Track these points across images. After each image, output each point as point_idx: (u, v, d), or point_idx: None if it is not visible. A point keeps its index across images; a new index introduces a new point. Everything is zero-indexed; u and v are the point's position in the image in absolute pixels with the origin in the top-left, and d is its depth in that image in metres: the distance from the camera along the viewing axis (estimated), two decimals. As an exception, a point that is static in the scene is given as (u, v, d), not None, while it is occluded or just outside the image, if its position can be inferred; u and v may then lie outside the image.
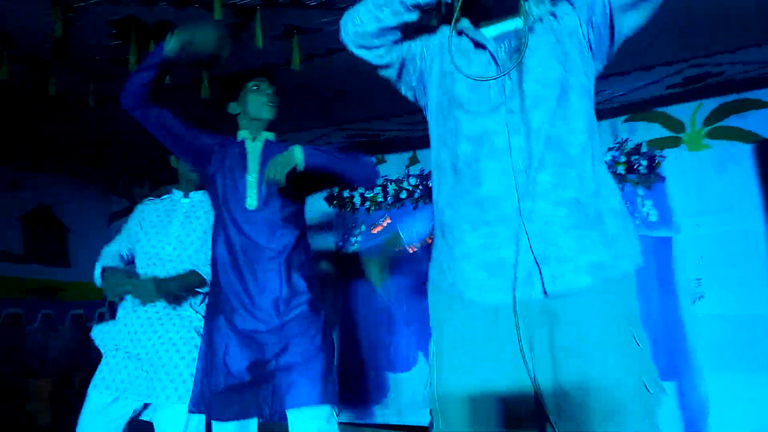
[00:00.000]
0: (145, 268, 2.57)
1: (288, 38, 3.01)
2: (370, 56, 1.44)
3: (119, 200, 6.07)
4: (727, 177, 3.98)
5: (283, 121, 4.41)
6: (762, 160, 3.91)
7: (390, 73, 1.51)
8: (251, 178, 2.31)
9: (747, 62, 3.63)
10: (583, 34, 1.39)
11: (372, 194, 4.99)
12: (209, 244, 2.44)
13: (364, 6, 1.39)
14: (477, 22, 1.44)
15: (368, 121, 4.36)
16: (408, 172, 4.89)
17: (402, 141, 4.81)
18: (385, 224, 4.96)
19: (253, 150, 2.41)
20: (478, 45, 1.41)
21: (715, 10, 2.92)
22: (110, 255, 2.64)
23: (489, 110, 1.34)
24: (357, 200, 4.97)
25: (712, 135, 4.11)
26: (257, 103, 2.45)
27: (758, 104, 3.99)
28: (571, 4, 1.41)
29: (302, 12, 2.78)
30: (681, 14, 2.92)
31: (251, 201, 2.27)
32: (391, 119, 4.29)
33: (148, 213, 2.67)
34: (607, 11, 1.34)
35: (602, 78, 3.67)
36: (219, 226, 2.33)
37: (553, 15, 1.41)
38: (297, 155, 2.07)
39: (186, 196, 2.69)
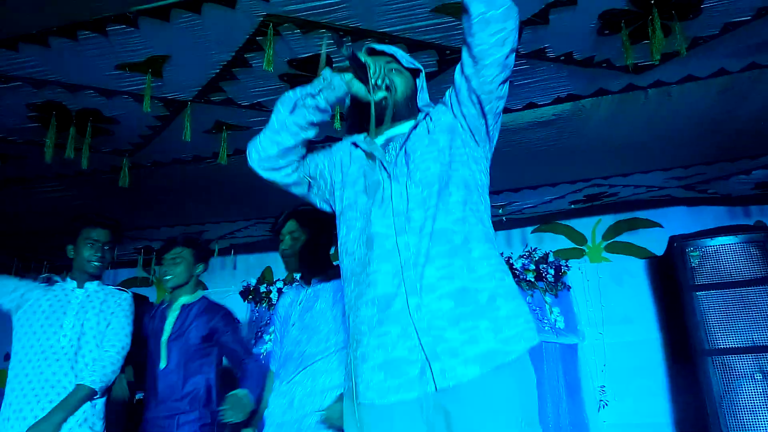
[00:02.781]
0: (33, 362, 2.32)
1: (217, 132, 3.04)
2: (279, 176, 1.50)
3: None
4: (625, 289, 4.29)
5: (206, 212, 4.38)
6: (653, 275, 4.28)
7: (301, 190, 1.57)
8: None
9: (637, 185, 4.07)
10: (462, 126, 1.46)
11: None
12: (107, 338, 2.40)
13: (263, 133, 1.47)
14: (371, 128, 1.49)
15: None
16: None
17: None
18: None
19: None
20: (369, 155, 1.49)
21: (613, 140, 3.30)
22: None
23: (380, 214, 1.40)
24: (274, 296, 4.85)
25: (610, 249, 4.48)
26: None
27: (648, 223, 4.43)
28: (443, 103, 1.51)
29: (233, 110, 2.84)
30: (584, 140, 3.28)
31: None
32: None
33: (37, 301, 2.45)
34: (465, 85, 1.42)
35: (513, 190, 4.02)
36: None
37: (429, 117, 1.49)
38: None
39: (80, 286, 2.52)
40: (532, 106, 2.92)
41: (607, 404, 4.07)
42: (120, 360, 2.42)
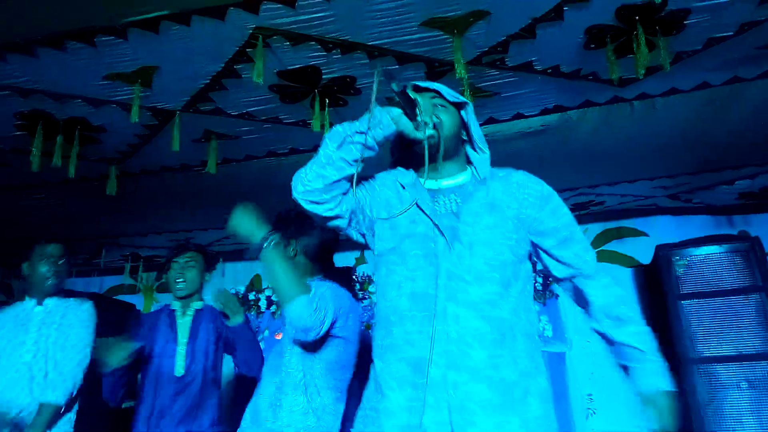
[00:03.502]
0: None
1: (206, 141, 3.03)
2: (321, 210, 1.46)
3: (-6, 293, 5.49)
4: (611, 297, 4.31)
5: (194, 220, 4.36)
6: (640, 284, 4.31)
7: (340, 223, 1.52)
8: None
9: (623, 194, 4.11)
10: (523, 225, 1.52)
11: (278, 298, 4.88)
12: (67, 352, 2.39)
13: (309, 166, 1.44)
14: (425, 170, 1.45)
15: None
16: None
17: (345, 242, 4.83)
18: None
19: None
20: (418, 205, 1.46)
21: (600, 150, 3.34)
22: None
23: (430, 274, 1.37)
24: (263, 303, 4.84)
25: (597, 257, 4.50)
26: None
27: (634, 232, 4.48)
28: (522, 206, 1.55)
29: (222, 119, 2.84)
30: (571, 150, 3.32)
31: None
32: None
33: None
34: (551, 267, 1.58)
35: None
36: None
37: (488, 184, 1.51)
38: None
39: (40, 303, 2.52)
40: (519, 116, 2.96)
41: (594, 412, 4.10)
42: (80, 372, 2.42)
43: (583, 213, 4.44)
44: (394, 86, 1.37)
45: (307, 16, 2.11)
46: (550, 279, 4.30)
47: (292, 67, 2.43)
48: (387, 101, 1.44)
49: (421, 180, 1.49)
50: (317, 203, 1.44)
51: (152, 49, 2.25)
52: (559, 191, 4.36)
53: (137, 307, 5.01)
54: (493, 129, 3.04)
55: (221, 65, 2.39)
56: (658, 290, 3.88)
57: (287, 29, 2.18)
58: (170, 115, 2.78)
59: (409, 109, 1.40)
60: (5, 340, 2.43)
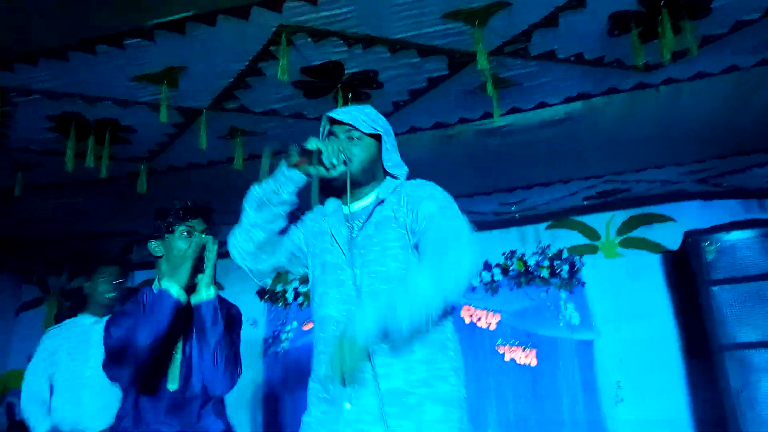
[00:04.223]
0: (65, 394, 2.64)
1: (232, 138, 3.09)
2: (263, 267, 1.62)
3: (30, 289, 5.68)
4: (640, 284, 4.28)
5: (220, 215, 4.43)
6: (668, 270, 4.26)
7: (282, 268, 1.67)
8: None
9: (651, 181, 4.06)
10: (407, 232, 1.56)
11: (306, 289, 4.95)
12: None
13: (238, 233, 1.58)
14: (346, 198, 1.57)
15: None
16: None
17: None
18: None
19: None
20: (332, 234, 1.57)
21: (625, 137, 3.30)
22: (39, 403, 2.68)
23: (334, 298, 1.50)
24: (290, 295, 4.90)
25: (624, 244, 4.47)
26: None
27: (661, 218, 4.42)
28: (405, 210, 1.58)
29: (247, 117, 2.88)
30: (595, 137, 3.28)
31: None
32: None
33: (59, 341, 2.76)
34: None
35: (526, 188, 4.03)
36: None
37: (389, 203, 1.58)
38: None
39: (100, 320, 2.69)
40: (543, 105, 2.94)
41: (623, 400, 4.08)
42: None
43: (609, 200, 4.39)
44: (291, 151, 1.49)
45: (328, 13, 2.13)
46: (576, 267, 4.29)
47: (315, 63, 2.46)
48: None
49: (344, 208, 1.60)
50: (256, 263, 1.59)
51: (178, 49, 2.30)
52: (584, 178, 4.33)
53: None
54: (516, 118, 3.03)
55: (246, 63, 2.43)
56: (687, 276, 3.83)
57: (310, 26, 2.20)
58: (197, 114, 2.83)
59: (315, 157, 1.50)
60: (70, 357, 2.70)
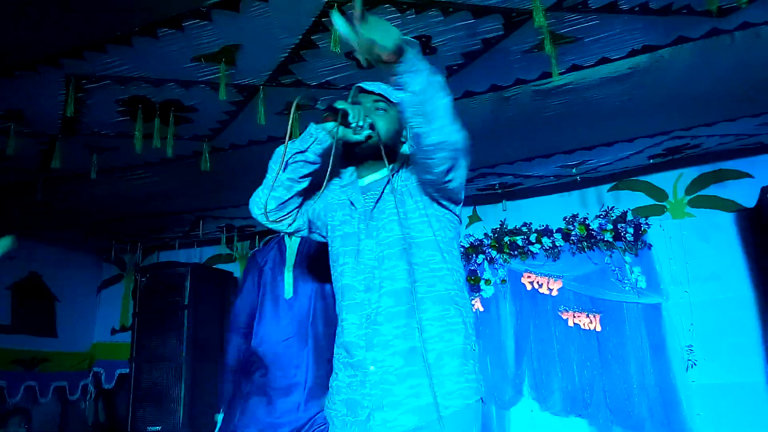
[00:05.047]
0: None
1: (288, 113, 3.13)
2: (282, 227, 1.66)
3: (109, 268, 6.05)
4: (712, 245, 4.09)
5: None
6: (743, 229, 4.04)
7: (303, 233, 1.73)
8: None
9: (723, 135, 3.83)
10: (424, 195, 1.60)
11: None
12: None
13: (261, 190, 1.62)
14: (363, 170, 1.66)
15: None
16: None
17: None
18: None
19: None
20: (352, 203, 1.64)
21: (696, 90, 3.12)
22: None
23: (352, 268, 1.56)
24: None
25: (694, 203, 4.27)
26: None
27: (735, 174, 4.17)
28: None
29: (302, 91, 2.92)
30: (663, 91, 3.12)
31: None
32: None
33: None
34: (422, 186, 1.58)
35: (586, 149, 3.90)
36: None
37: (401, 172, 1.64)
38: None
39: None
40: (605, 61, 2.81)
41: (695, 364, 3.95)
42: None
43: (677, 157, 4.19)
44: (319, 105, 1.48)
45: (380, -21, 2.11)
46: (642, 229, 4.13)
47: (367, 32, 2.45)
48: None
49: (359, 181, 1.66)
50: (278, 221, 1.63)
51: (234, 27, 2.34)
52: (650, 136, 4.16)
53: (234, 275, 5.36)
54: (577, 76, 2.92)
55: (299, 37, 2.44)
56: (764, 234, 3.63)
57: (361, -6, 2.19)
58: (254, 91, 2.89)
59: (342, 118, 1.52)
60: None
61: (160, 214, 4.83)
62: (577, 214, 4.41)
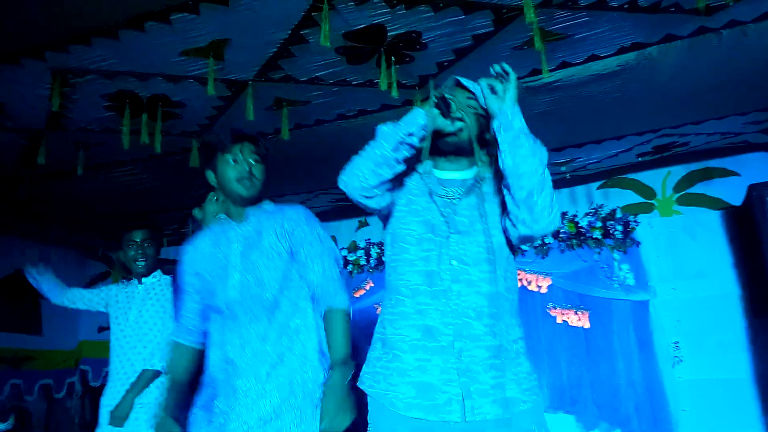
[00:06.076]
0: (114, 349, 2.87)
1: (278, 109, 3.11)
2: (373, 203, 1.65)
3: (95, 264, 5.98)
4: (699, 242, 4.13)
5: (270, 186, 4.51)
6: (730, 227, 4.08)
7: (381, 211, 1.72)
8: None
9: (711, 133, 3.86)
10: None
11: (355, 257, 5.03)
12: (166, 323, 2.76)
13: (364, 165, 1.59)
14: (442, 163, 1.70)
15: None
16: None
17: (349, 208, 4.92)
18: (368, 287, 4.96)
19: None
20: (433, 192, 1.65)
21: (684, 87, 3.14)
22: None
23: (440, 256, 1.58)
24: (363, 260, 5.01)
25: (682, 201, 4.30)
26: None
27: (722, 172, 4.21)
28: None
29: (292, 86, 2.90)
30: (651, 89, 3.14)
31: None
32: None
33: (114, 298, 2.99)
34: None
35: (576, 147, 3.91)
36: None
37: (487, 180, 1.71)
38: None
39: (140, 282, 2.90)
40: (594, 58, 2.82)
41: (681, 360, 3.99)
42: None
43: (665, 155, 4.21)
44: (436, 92, 1.60)
45: (370, -26, 2.09)
46: (630, 227, 4.15)
47: (357, 27, 2.43)
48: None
49: (435, 171, 1.69)
50: (369, 198, 1.63)
51: (223, 22, 2.32)
52: (639, 134, 4.18)
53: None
54: (565, 74, 2.92)
55: (288, 32, 2.42)
56: (751, 232, 3.67)
57: (351, -11, 2.18)
58: (243, 86, 2.87)
59: (445, 108, 1.58)
60: (118, 312, 2.89)
61: (149, 211, 4.78)
62: (567, 211, 4.43)
